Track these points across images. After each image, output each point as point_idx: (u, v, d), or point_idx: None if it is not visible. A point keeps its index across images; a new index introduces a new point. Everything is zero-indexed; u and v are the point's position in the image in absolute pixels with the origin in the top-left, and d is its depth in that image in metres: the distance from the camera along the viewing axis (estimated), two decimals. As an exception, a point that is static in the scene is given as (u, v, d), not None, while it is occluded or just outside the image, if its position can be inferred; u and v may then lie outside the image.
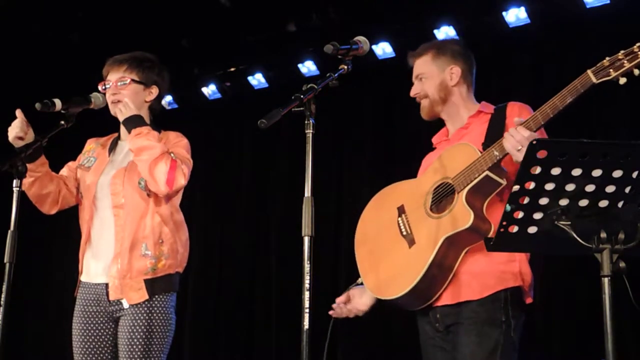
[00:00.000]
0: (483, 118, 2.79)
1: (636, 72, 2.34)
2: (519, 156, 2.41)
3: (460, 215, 2.56)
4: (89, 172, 3.16)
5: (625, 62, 2.34)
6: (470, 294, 2.60)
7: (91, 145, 3.29)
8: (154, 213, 3.05)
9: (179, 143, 3.15)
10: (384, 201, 2.90)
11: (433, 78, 2.85)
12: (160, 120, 3.25)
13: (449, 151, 2.75)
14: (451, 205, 2.61)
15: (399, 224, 2.77)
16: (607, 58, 2.38)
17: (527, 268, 2.66)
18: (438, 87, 2.84)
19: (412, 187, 2.81)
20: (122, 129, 3.20)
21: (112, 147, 3.23)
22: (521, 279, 2.63)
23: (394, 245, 2.74)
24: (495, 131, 2.66)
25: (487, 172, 2.55)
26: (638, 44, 2.35)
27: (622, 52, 2.37)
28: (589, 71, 2.41)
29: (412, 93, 2.90)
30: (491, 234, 2.53)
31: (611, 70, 2.36)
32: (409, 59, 2.95)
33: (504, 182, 2.58)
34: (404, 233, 2.73)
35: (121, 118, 3.07)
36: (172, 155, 3.01)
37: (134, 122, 3.05)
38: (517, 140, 2.43)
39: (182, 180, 2.99)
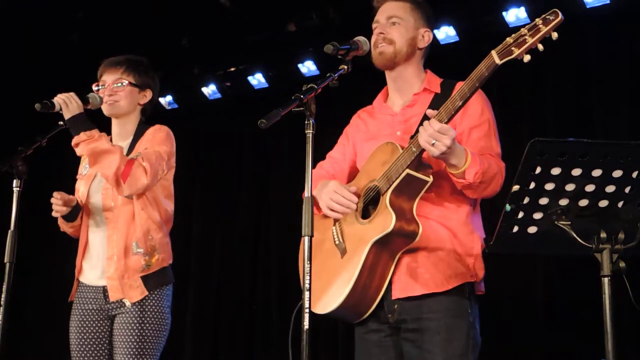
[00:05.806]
0: (427, 98, 2.62)
1: (540, 47, 2.19)
2: (434, 151, 2.30)
3: (383, 219, 2.43)
4: (83, 179, 3.20)
5: (528, 37, 2.18)
6: (433, 286, 2.47)
7: None
8: (140, 211, 3.08)
9: (155, 137, 3.12)
10: None
11: (408, 29, 2.66)
12: (160, 120, 3.26)
13: (375, 152, 2.61)
14: (377, 209, 2.49)
15: (332, 233, 2.65)
16: (512, 35, 2.23)
17: (481, 263, 2.55)
18: (408, 41, 2.66)
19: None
20: (113, 132, 3.21)
21: None
22: (475, 275, 2.52)
23: (330, 257, 2.62)
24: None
25: (407, 171, 2.41)
26: (540, 17, 2.18)
27: (525, 27, 2.22)
28: (493, 52, 2.27)
29: (379, 30, 2.67)
30: (419, 237, 2.41)
31: (514, 48, 2.22)
32: None
33: (429, 179, 2.43)
34: (337, 242, 2.61)
35: (66, 115, 2.94)
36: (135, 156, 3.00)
37: (82, 123, 2.95)
38: (429, 134, 2.30)
39: (143, 179, 2.95)
